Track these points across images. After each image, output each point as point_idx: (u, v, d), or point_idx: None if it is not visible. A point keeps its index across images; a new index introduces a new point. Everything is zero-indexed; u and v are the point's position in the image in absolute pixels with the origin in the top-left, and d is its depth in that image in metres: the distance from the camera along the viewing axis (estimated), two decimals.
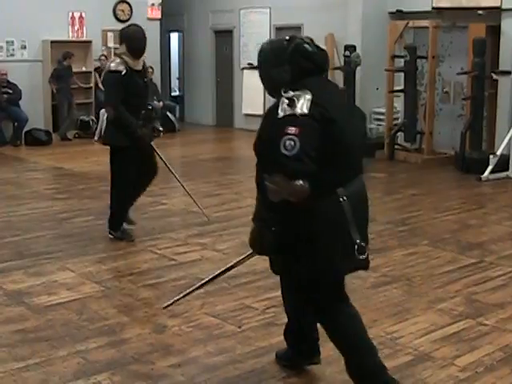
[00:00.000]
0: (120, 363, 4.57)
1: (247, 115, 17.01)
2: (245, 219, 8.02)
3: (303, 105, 3.65)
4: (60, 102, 15.46)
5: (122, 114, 6.94)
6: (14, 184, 10.64)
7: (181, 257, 6.77)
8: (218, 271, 4.56)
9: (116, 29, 16.43)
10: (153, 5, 17.14)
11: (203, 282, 4.68)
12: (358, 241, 3.77)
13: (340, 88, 4.29)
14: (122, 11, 16.73)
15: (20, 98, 14.90)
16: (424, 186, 10.38)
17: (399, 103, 13.21)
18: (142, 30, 7.11)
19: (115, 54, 7.28)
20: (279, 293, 5.73)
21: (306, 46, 3.88)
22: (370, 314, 5.34)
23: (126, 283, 6.09)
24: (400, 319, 5.29)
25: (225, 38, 17.69)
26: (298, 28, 15.68)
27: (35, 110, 15.27)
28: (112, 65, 6.98)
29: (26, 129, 14.96)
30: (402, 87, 12.75)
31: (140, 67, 7.07)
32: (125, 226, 7.44)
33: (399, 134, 12.93)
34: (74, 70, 15.54)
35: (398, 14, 13.29)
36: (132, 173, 7.11)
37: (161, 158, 7.53)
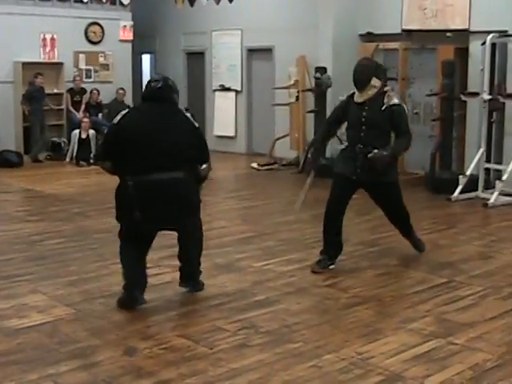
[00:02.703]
0: None
1: (219, 137, 17.07)
2: (217, 241, 8.07)
3: (117, 117, 5.85)
4: (32, 124, 15.41)
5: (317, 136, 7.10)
6: None
7: (153, 279, 6.73)
8: None
9: (88, 50, 16.57)
10: (125, 26, 17.19)
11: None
12: (136, 211, 5.66)
13: (167, 110, 5.91)
14: (94, 33, 16.77)
15: None
16: None
17: None
18: (364, 63, 7.22)
19: None
20: (251, 314, 5.82)
21: (152, 83, 5.97)
22: (342, 335, 5.39)
23: (98, 306, 6.07)
24: (371, 339, 5.31)
25: (197, 59, 17.76)
26: (269, 50, 15.80)
27: (6, 131, 15.24)
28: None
29: None
30: None
31: (360, 99, 7.01)
32: None
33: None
34: (46, 91, 15.52)
35: (368, 37, 13.42)
36: None
37: None
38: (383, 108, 6.93)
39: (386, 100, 6.98)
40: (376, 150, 6.82)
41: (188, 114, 6.11)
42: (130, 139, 5.69)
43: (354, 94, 7.11)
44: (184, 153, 5.79)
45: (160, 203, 5.70)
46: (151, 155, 5.68)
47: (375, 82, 6.98)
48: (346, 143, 7.26)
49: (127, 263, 5.98)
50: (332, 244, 7.33)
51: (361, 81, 6.99)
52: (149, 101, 5.96)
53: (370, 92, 6.97)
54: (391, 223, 7.72)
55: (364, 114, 6.97)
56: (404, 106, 7.25)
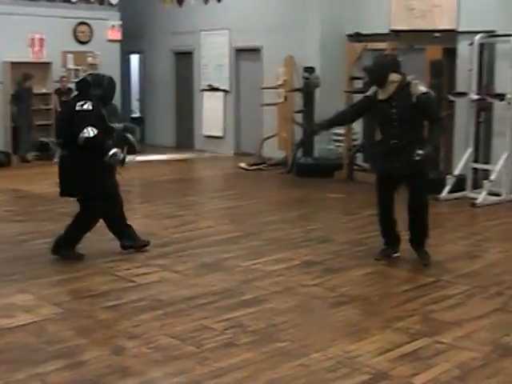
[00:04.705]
0: None
1: (207, 137, 17.07)
2: (204, 240, 8.08)
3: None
4: (20, 124, 15.39)
5: None
6: None
7: (140, 278, 6.77)
8: None
9: (76, 50, 16.54)
10: (113, 26, 17.17)
11: None
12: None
13: (77, 100, 7.25)
14: (82, 33, 16.75)
15: None
16: None
17: (358, 124, 13.29)
18: (377, 62, 7.32)
19: None
20: (238, 313, 5.82)
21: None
22: (329, 334, 5.39)
23: (85, 305, 6.07)
24: (358, 338, 5.32)
25: (185, 59, 17.75)
26: (257, 50, 15.80)
27: None
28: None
29: None
30: None
31: (384, 96, 7.10)
32: None
33: (358, 154, 13.05)
34: (34, 91, 15.48)
35: (356, 37, 13.44)
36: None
37: None
38: (413, 100, 7.00)
39: (412, 91, 7.04)
40: (421, 151, 6.87)
41: (94, 103, 7.12)
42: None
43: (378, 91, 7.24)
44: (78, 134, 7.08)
45: (60, 175, 7.33)
46: (61, 136, 7.38)
47: (394, 77, 7.07)
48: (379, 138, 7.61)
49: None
50: (391, 236, 7.53)
51: (377, 79, 7.18)
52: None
53: (391, 88, 7.08)
54: (411, 218, 7.36)
55: (393, 110, 7.08)
56: (431, 92, 7.36)
